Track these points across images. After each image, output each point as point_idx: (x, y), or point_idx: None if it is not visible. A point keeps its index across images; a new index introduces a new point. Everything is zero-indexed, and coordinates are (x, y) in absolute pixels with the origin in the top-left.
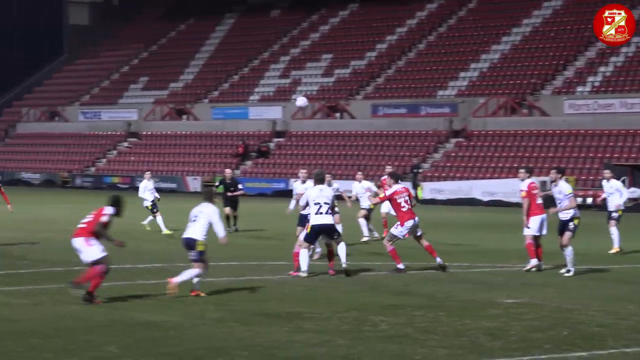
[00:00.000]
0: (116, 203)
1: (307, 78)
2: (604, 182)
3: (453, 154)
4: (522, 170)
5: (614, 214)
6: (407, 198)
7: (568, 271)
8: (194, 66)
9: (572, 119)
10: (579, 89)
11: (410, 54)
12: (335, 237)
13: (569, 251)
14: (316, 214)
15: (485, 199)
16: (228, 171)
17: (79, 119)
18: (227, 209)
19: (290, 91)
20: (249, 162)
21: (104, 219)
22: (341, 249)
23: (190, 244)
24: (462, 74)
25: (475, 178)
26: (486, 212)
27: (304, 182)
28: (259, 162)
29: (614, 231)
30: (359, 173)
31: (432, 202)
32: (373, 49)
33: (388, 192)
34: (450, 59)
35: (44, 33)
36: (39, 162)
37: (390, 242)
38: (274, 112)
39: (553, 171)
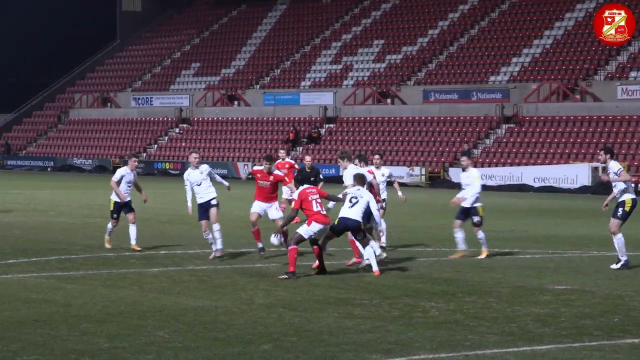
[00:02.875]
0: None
1: (358, 64)
2: (461, 173)
3: (504, 140)
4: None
5: (476, 218)
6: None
7: (618, 261)
8: (245, 52)
9: (625, 104)
10: (632, 74)
11: (462, 39)
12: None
13: (618, 239)
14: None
15: (536, 185)
16: (308, 159)
17: (131, 105)
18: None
19: (342, 77)
20: (299, 148)
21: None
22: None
23: (353, 226)
24: (514, 60)
25: (526, 164)
26: (537, 198)
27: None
28: (310, 148)
29: (480, 235)
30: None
31: (483, 187)
32: (425, 34)
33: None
34: (502, 45)
35: (97, 19)
36: (91, 148)
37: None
38: (325, 97)
39: (601, 152)
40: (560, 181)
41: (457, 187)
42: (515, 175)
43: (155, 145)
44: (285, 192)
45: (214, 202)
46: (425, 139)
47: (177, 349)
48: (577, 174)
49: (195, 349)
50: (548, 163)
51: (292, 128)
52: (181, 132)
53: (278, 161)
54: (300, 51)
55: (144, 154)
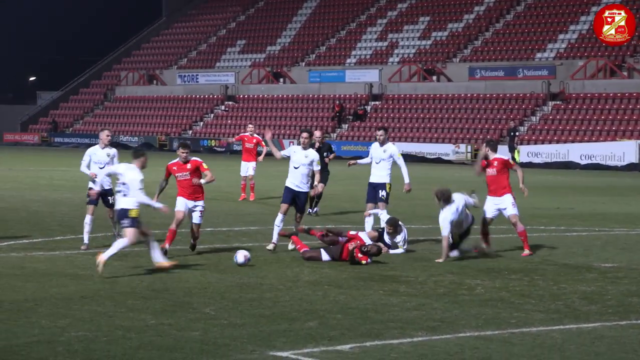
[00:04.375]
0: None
1: (404, 41)
2: (374, 146)
3: (551, 117)
4: None
5: (382, 192)
6: None
7: None
8: (290, 29)
9: None
10: None
11: (508, 16)
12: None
13: None
14: None
15: (583, 162)
16: (318, 134)
17: (177, 83)
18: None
19: (387, 54)
20: (345, 125)
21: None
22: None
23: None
24: (560, 36)
25: (572, 141)
26: (584, 175)
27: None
28: (356, 125)
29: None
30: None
31: (529, 165)
32: (471, 11)
33: None
34: (547, 21)
35: None
36: (137, 125)
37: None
38: (371, 75)
39: None
40: (607, 158)
41: None
42: (561, 153)
43: (201, 123)
44: (243, 169)
45: (111, 199)
46: (470, 116)
47: (223, 326)
48: (624, 151)
49: (241, 325)
50: (595, 140)
51: (337, 102)
52: (227, 109)
53: (246, 134)
54: (346, 28)
55: (190, 131)
